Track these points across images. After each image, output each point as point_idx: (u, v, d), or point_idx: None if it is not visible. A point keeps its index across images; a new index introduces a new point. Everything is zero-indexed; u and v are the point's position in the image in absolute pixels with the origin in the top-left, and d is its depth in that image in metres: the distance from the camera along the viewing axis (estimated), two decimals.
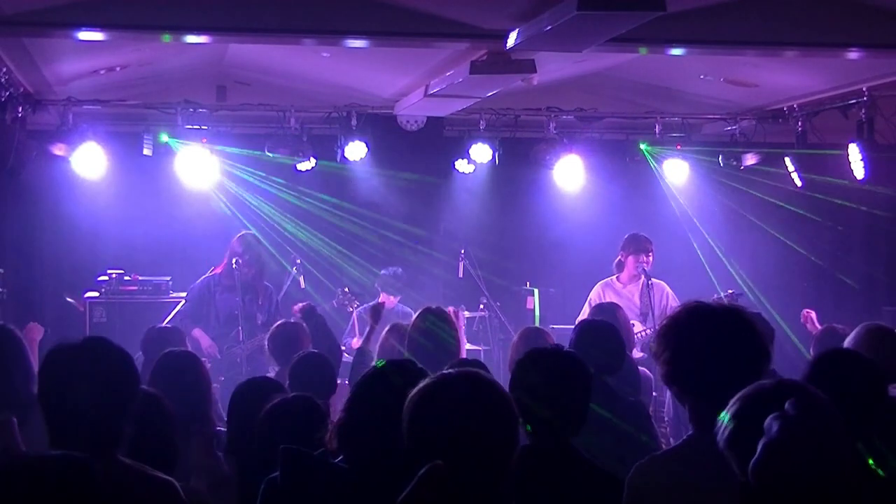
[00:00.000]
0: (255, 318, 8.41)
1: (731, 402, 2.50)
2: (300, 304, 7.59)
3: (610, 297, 8.48)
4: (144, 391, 3.92)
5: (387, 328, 6.48)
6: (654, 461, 3.22)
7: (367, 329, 6.65)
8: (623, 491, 3.21)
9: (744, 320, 3.10)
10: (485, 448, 2.58)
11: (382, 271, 9.62)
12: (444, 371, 2.78)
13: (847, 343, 4.92)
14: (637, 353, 8.11)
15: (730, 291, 8.75)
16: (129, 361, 3.17)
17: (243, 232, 8.69)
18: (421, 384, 2.69)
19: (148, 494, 3.05)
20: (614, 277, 8.88)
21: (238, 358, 8.11)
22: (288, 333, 6.67)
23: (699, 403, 3.05)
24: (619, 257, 8.89)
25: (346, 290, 9.16)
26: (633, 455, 3.46)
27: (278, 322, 7.15)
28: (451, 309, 6.55)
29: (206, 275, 8.62)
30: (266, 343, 6.83)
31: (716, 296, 8.51)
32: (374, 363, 3.45)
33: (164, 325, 7.05)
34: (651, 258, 8.70)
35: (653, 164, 10.12)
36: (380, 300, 9.60)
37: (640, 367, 7.56)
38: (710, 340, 3.05)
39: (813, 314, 8.08)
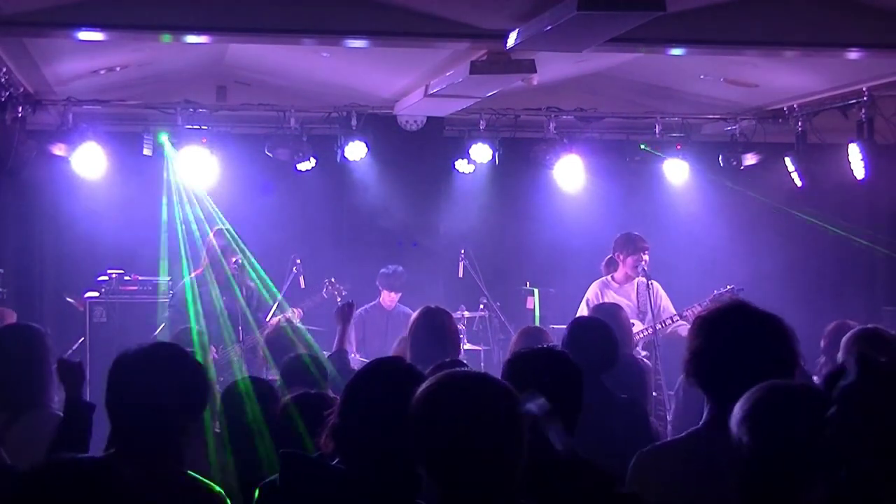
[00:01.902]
0: (245, 316, 8.34)
1: (743, 402, 2.51)
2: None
3: (609, 297, 8.46)
4: None
5: (400, 338, 6.47)
6: (658, 450, 3.23)
7: (339, 329, 6.56)
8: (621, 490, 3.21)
9: (782, 329, 3.09)
10: (493, 448, 2.57)
11: (383, 269, 9.63)
12: (450, 371, 2.76)
13: (840, 355, 4.91)
14: (640, 353, 8.10)
15: (729, 287, 8.70)
16: (202, 372, 3.17)
17: (218, 227, 8.62)
18: (426, 384, 2.66)
19: None
20: (609, 277, 8.85)
21: (233, 358, 8.05)
22: (284, 337, 6.65)
23: (719, 399, 3.02)
24: (613, 256, 8.85)
25: (333, 279, 9.15)
26: (630, 453, 3.45)
27: (273, 326, 7.11)
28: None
29: (187, 278, 8.54)
30: (261, 347, 6.81)
31: (716, 291, 8.49)
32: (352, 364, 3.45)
33: (184, 327, 6.99)
34: (647, 257, 8.69)
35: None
36: (380, 299, 9.63)
37: (646, 362, 7.58)
38: (745, 339, 3.04)
39: None
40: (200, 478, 3.15)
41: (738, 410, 2.52)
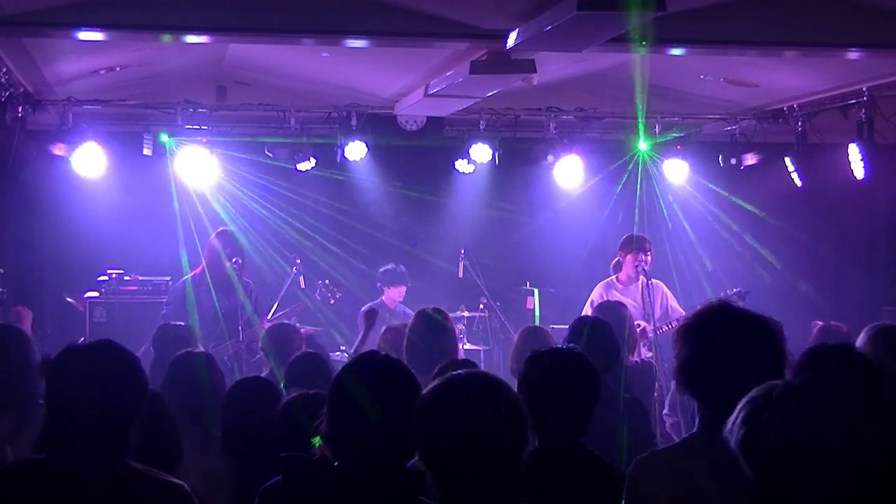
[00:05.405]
0: (240, 314, 8.32)
1: (742, 404, 2.50)
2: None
3: (613, 298, 8.45)
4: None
5: (381, 331, 6.45)
6: (656, 456, 3.22)
7: (361, 334, 6.55)
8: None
9: (768, 328, 3.07)
10: (496, 448, 2.61)
11: (382, 268, 9.53)
12: (454, 372, 2.77)
13: (858, 345, 4.88)
14: (646, 354, 8.10)
15: (736, 290, 8.68)
16: (138, 365, 3.15)
17: (222, 228, 8.63)
18: (431, 385, 2.71)
19: (159, 499, 3.04)
20: (614, 278, 8.86)
21: (225, 356, 8.03)
22: (282, 333, 6.65)
23: (711, 404, 3.02)
24: (617, 258, 8.87)
25: (327, 281, 9.13)
26: (632, 452, 3.46)
27: (273, 323, 7.11)
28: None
29: (185, 277, 8.55)
30: (259, 342, 6.81)
31: (722, 294, 8.48)
32: None
33: (176, 322, 7.01)
34: (649, 258, 8.68)
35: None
36: (383, 298, 9.54)
37: (652, 363, 7.58)
38: (732, 343, 3.01)
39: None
40: (159, 472, 3.09)
41: (733, 419, 2.52)
